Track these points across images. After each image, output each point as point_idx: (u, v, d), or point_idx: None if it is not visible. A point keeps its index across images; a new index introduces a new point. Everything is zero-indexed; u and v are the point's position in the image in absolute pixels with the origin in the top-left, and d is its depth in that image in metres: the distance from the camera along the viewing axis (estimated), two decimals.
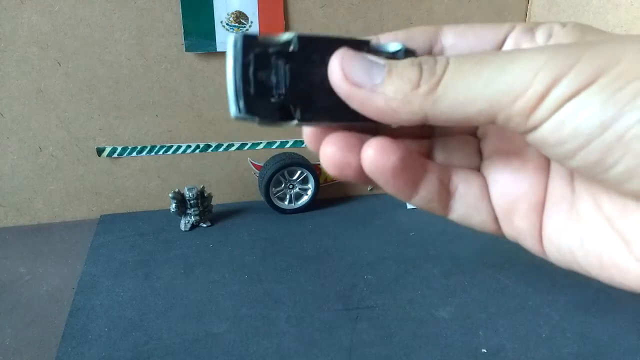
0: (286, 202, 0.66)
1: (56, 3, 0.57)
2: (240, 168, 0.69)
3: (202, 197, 0.61)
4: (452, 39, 0.22)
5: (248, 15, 0.62)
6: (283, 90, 0.20)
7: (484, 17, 0.69)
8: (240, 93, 0.20)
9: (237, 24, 0.62)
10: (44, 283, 0.52)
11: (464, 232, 0.59)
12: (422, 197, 0.22)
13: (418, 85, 0.18)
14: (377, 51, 0.21)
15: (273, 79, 0.20)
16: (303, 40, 0.20)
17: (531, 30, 0.21)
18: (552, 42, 0.20)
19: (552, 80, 0.16)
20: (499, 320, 0.45)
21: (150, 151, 0.66)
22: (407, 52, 0.22)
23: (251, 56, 0.19)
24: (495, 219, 0.23)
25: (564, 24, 0.21)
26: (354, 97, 0.19)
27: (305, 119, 0.20)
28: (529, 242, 0.22)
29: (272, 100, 0.20)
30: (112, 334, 0.43)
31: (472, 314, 0.46)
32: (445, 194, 0.22)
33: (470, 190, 0.23)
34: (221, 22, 0.61)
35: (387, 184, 0.21)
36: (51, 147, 0.63)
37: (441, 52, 0.22)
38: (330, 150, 0.21)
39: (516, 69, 0.17)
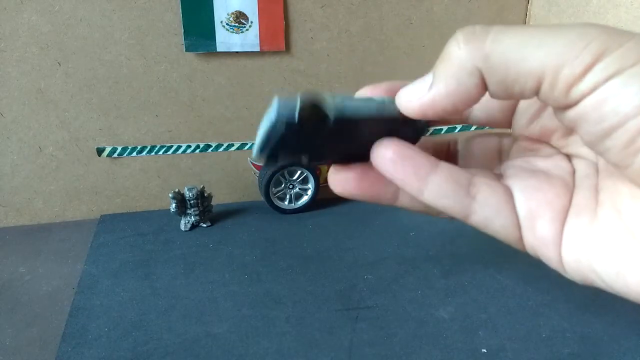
0: (286, 202, 0.66)
1: (56, 3, 0.57)
2: (240, 168, 0.69)
3: (202, 197, 0.61)
4: None
5: (248, 15, 0.62)
6: (298, 152, 0.22)
7: (484, 17, 0.69)
8: (262, 150, 0.22)
9: (237, 24, 0.62)
10: (44, 283, 0.52)
11: (464, 232, 0.59)
12: (433, 192, 0.22)
13: (467, 42, 0.19)
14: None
15: (291, 148, 0.22)
16: (339, 123, 0.22)
17: None
18: None
19: (601, 52, 0.17)
20: (499, 320, 0.45)
21: (150, 151, 0.66)
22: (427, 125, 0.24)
23: (279, 137, 0.21)
24: (518, 226, 0.23)
25: None
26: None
27: (312, 164, 0.23)
28: (550, 253, 0.22)
29: (287, 158, 0.22)
30: (112, 334, 0.43)
31: (472, 314, 0.46)
32: (463, 194, 0.22)
33: (494, 195, 0.22)
34: (221, 22, 0.61)
35: (389, 172, 0.22)
36: (51, 147, 0.63)
37: None
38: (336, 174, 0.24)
39: (570, 35, 0.17)
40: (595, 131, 0.18)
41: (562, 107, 0.19)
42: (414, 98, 0.21)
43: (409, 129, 0.23)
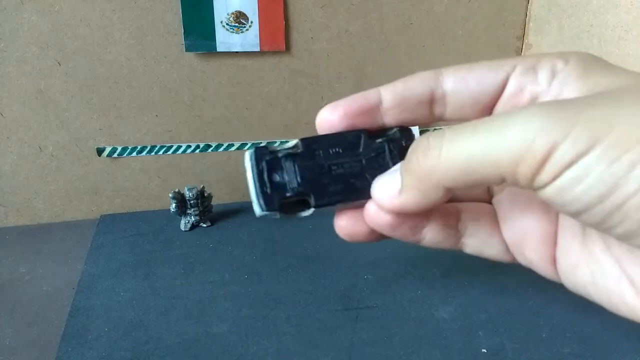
0: None
1: (56, 3, 0.57)
2: (240, 168, 0.69)
3: (202, 197, 0.61)
4: (452, 84, 0.23)
5: (248, 15, 0.62)
6: (296, 184, 0.23)
7: (484, 17, 0.69)
8: (260, 194, 0.23)
9: (237, 24, 0.62)
10: (44, 283, 0.52)
11: None
12: (429, 242, 0.24)
13: (425, 158, 0.20)
14: (377, 136, 0.24)
15: (286, 177, 0.23)
16: (306, 141, 0.24)
17: (533, 69, 0.21)
18: (556, 82, 0.21)
19: (550, 146, 0.17)
20: (499, 320, 0.45)
21: (150, 151, 0.66)
22: (402, 131, 0.24)
23: (263, 163, 0.24)
24: (508, 250, 0.25)
25: (566, 60, 0.21)
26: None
27: (321, 204, 0.23)
28: (545, 270, 0.24)
29: (288, 194, 0.23)
30: (112, 334, 0.43)
31: (472, 314, 0.46)
32: (454, 234, 0.25)
33: (480, 229, 0.25)
34: (221, 22, 0.61)
35: (393, 233, 0.24)
36: (51, 147, 0.63)
37: (443, 99, 0.23)
38: (341, 223, 0.25)
39: (513, 134, 0.17)
40: (564, 211, 0.19)
41: (532, 189, 0.19)
42: (386, 197, 0.22)
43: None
